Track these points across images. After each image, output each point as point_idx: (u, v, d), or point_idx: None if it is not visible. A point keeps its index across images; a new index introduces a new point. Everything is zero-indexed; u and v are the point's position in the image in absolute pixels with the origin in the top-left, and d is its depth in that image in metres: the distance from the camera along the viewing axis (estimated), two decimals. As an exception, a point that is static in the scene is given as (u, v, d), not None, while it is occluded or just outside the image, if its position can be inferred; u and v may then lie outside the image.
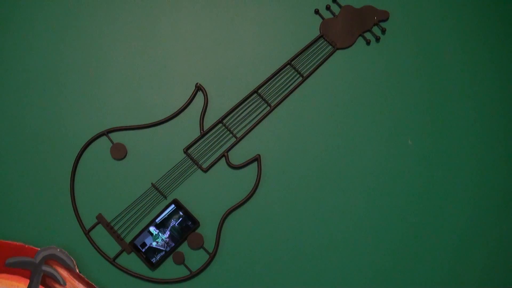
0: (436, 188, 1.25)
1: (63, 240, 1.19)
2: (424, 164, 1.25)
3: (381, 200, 1.24)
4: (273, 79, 1.27)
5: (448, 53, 1.30)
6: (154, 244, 1.18)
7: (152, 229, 1.20)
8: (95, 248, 1.20)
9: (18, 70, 1.26)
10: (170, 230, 1.19)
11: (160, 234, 1.19)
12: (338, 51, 1.29)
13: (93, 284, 1.16)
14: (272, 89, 1.26)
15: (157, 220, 1.20)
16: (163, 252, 1.18)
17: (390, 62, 1.28)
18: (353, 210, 1.23)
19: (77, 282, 1.16)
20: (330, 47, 1.28)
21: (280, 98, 1.26)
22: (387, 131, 1.26)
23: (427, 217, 1.24)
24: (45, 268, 1.15)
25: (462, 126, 1.27)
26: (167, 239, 1.18)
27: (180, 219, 1.20)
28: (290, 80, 1.27)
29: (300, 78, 1.27)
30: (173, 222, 1.19)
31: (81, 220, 1.20)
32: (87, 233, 1.20)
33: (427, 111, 1.27)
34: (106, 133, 1.23)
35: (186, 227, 1.20)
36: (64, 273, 1.16)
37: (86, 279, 1.16)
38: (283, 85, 1.27)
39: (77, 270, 1.16)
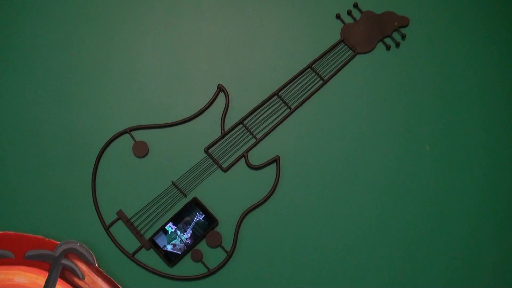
0: (453, 193, 1.23)
1: (83, 234, 1.18)
2: (441, 169, 1.24)
3: (398, 203, 1.22)
4: (293, 81, 1.26)
5: (468, 59, 1.28)
6: (169, 247, 1.17)
7: (167, 226, 1.19)
8: (114, 243, 1.19)
9: (43, 68, 1.26)
10: (193, 229, 1.17)
11: (178, 232, 1.18)
12: (358, 56, 1.28)
13: (111, 278, 1.14)
14: (293, 91, 1.26)
15: (175, 217, 1.19)
16: (179, 255, 1.18)
17: (409, 67, 1.27)
18: (371, 212, 1.22)
19: (96, 276, 1.15)
20: (351, 51, 1.28)
21: (300, 100, 1.25)
22: (405, 136, 1.25)
23: (443, 221, 1.22)
24: (65, 261, 1.15)
25: (480, 133, 1.26)
26: (188, 240, 1.18)
27: (200, 217, 1.19)
28: (310, 83, 1.26)
29: (321, 82, 1.26)
30: (195, 221, 1.18)
31: (101, 216, 1.20)
32: (107, 228, 1.19)
33: (446, 117, 1.26)
34: (129, 131, 1.22)
35: (205, 225, 1.19)
36: (83, 267, 1.15)
37: (105, 273, 1.15)
38: (303, 88, 1.26)
39: (96, 265, 1.15)
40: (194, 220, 1.18)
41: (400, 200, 1.22)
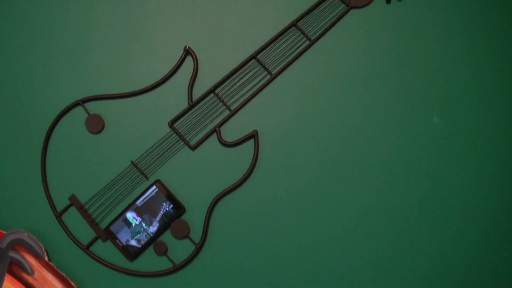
0: (467, 174, 1.16)
1: (31, 223, 1.14)
2: (453, 146, 1.17)
3: (401, 186, 1.16)
4: (274, 42, 1.19)
5: (481, 13, 1.21)
6: (133, 242, 1.11)
7: (130, 215, 1.11)
8: (67, 233, 1.13)
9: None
10: (160, 221, 1.11)
11: (143, 225, 1.11)
12: (353, 10, 1.20)
13: (63, 274, 1.10)
14: (274, 54, 1.19)
15: (137, 202, 1.12)
16: (139, 248, 1.12)
17: (413, 24, 1.20)
18: (366, 197, 1.15)
19: (45, 271, 1.10)
20: (343, 5, 1.20)
21: (282, 65, 1.19)
22: (409, 106, 1.18)
23: (455, 207, 1.15)
24: (12, 254, 1.10)
25: (500, 101, 1.19)
26: (153, 234, 1.11)
27: (168, 207, 1.13)
28: (295, 44, 1.19)
29: (307, 42, 1.19)
30: (163, 212, 1.12)
31: (52, 201, 1.14)
32: (58, 216, 1.13)
33: (458, 83, 1.19)
34: (81, 102, 1.16)
35: (170, 213, 1.12)
36: (32, 260, 1.10)
37: (55, 268, 1.10)
38: (286, 49, 1.19)
39: (46, 258, 1.10)
40: (161, 211, 1.12)
41: (403, 182, 1.16)
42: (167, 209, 1.12)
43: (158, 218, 1.12)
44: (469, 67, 1.20)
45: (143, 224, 1.11)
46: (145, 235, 1.11)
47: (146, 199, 1.12)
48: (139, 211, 1.12)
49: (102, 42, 1.20)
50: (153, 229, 1.11)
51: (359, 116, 1.18)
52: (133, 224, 1.11)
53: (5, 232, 1.10)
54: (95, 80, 1.19)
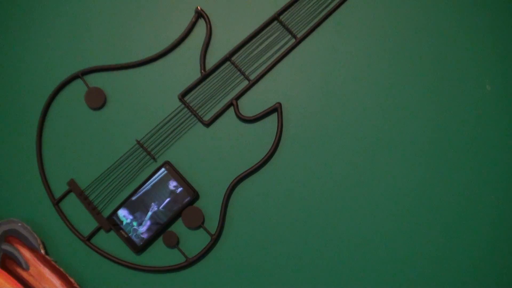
0: None
1: (26, 211, 1.10)
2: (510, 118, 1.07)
3: (449, 168, 1.07)
4: (300, 0, 1.11)
5: None
6: (138, 232, 1.07)
7: (121, 213, 1.06)
8: (65, 223, 1.08)
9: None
10: (151, 218, 1.05)
11: (134, 224, 1.06)
12: None
13: (61, 269, 1.04)
14: (299, 14, 1.11)
15: (144, 187, 1.05)
16: (146, 239, 1.06)
17: None
18: (405, 180, 1.07)
19: (42, 266, 1.05)
20: None
21: (309, 27, 1.11)
22: (458, 71, 1.09)
23: None
24: (5, 247, 1.06)
25: None
26: (144, 235, 1.05)
27: (177, 190, 1.07)
28: (324, 2, 1.11)
29: (337, 0, 1.10)
30: (173, 196, 1.06)
31: (49, 187, 1.09)
32: (56, 203, 1.07)
33: None
34: (80, 75, 1.11)
35: (181, 199, 1.06)
36: (27, 254, 1.06)
37: (53, 262, 1.04)
38: (314, 8, 1.11)
39: (43, 251, 1.05)
40: (171, 197, 1.05)
41: (450, 163, 1.08)
42: (178, 194, 1.06)
43: (167, 205, 1.05)
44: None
45: (134, 223, 1.06)
46: (135, 235, 1.06)
47: (153, 183, 1.06)
48: (145, 197, 1.05)
49: (102, 6, 1.14)
50: (142, 229, 1.07)
51: (399, 85, 1.09)
52: (124, 222, 1.06)
53: (-2, 222, 1.05)
54: (95, 50, 1.12)
